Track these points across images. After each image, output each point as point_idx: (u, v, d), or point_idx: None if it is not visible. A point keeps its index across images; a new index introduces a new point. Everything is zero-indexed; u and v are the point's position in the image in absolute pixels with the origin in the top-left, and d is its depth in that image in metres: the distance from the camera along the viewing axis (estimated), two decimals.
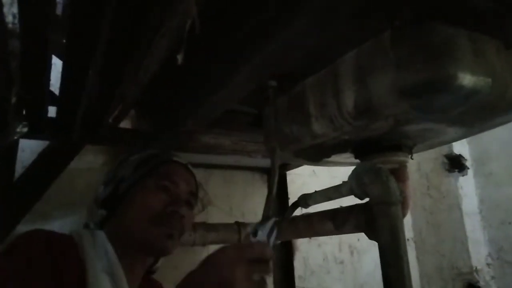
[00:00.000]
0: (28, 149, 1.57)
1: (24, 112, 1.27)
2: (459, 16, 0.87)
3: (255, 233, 0.74)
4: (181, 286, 0.62)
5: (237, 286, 0.58)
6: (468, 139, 2.38)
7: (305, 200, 1.34)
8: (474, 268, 2.21)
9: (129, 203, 0.83)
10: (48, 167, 1.40)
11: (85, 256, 0.73)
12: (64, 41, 0.98)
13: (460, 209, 2.31)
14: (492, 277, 2.21)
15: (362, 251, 2.39)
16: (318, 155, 1.36)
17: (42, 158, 1.41)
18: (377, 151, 1.18)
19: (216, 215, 1.94)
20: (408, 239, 2.52)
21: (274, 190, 1.21)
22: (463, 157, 2.38)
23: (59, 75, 1.14)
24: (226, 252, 0.62)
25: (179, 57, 0.67)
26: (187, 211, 0.87)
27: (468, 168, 2.38)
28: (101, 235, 0.80)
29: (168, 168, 0.88)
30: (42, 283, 0.65)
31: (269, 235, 0.75)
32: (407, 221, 2.56)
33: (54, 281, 0.66)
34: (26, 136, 1.34)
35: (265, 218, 0.79)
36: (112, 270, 0.74)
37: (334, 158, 1.38)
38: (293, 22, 0.76)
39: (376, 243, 1.09)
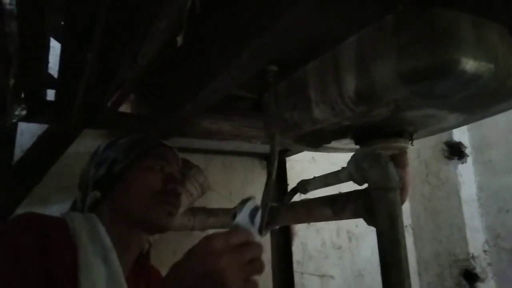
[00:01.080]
0: (27, 132, 1.57)
1: (22, 95, 1.26)
2: (463, 0, 0.86)
3: (234, 216, 0.72)
4: (166, 279, 0.62)
5: (227, 276, 0.55)
6: (468, 126, 2.37)
7: (304, 186, 1.35)
8: (471, 255, 2.23)
9: (127, 183, 0.85)
10: (47, 151, 1.40)
11: (77, 240, 0.73)
12: (62, 23, 0.96)
13: (458, 197, 2.31)
14: (489, 264, 2.23)
15: (360, 237, 2.40)
16: (318, 141, 1.35)
17: (41, 142, 1.40)
18: (378, 137, 1.18)
19: (215, 200, 1.95)
20: (406, 226, 2.54)
21: (274, 176, 1.21)
22: (463, 145, 2.38)
23: (58, 58, 1.13)
24: (209, 241, 0.59)
25: (179, 39, 0.66)
26: (182, 189, 0.91)
27: (468, 156, 2.38)
28: (94, 217, 0.81)
29: (160, 150, 0.92)
30: (31, 270, 0.64)
31: (252, 216, 0.71)
32: (406, 208, 2.57)
33: (45, 267, 0.65)
34: (25, 119, 1.33)
35: (245, 200, 0.75)
36: (106, 254, 0.75)
37: (334, 144, 1.38)
38: (296, 5, 0.74)
39: (373, 229, 1.10)
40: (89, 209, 0.85)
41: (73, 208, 0.91)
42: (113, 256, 0.75)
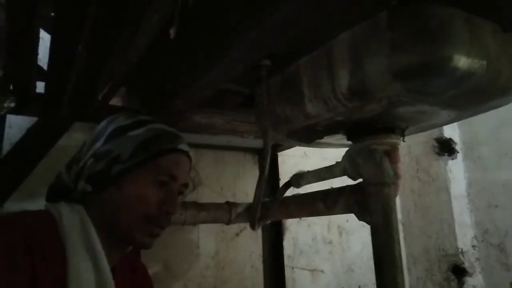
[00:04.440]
0: (16, 125, 1.55)
1: (11, 87, 1.25)
2: None
3: None
4: None
5: None
6: (458, 123, 2.39)
7: (298, 179, 1.34)
8: (460, 250, 2.25)
9: (121, 190, 0.77)
10: (36, 144, 1.38)
11: (67, 241, 0.69)
12: (53, 14, 0.95)
13: (448, 192, 2.34)
14: (477, 259, 2.26)
15: (351, 232, 2.42)
16: (310, 136, 1.35)
17: (30, 135, 1.39)
18: (370, 132, 1.18)
19: (207, 195, 1.94)
20: None
21: (267, 171, 1.21)
22: (453, 141, 2.40)
23: (48, 50, 1.12)
24: None
25: (172, 31, 0.65)
26: (176, 209, 0.82)
27: (458, 152, 2.40)
28: (83, 213, 0.75)
29: (169, 160, 0.81)
30: (14, 279, 0.60)
31: None
32: (396, 203, 2.58)
33: (30, 274, 0.62)
34: (13, 112, 1.32)
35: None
36: (97, 259, 0.71)
37: (326, 139, 1.38)
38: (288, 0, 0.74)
39: (364, 224, 1.10)
40: (78, 199, 0.79)
41: (60, 186, 0.82)
42: (104, 262, 0.71)
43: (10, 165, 1.37)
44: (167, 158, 0.81)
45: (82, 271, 0.68)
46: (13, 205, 1.37)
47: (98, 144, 0.80)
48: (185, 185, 0.86)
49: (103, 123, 0.85)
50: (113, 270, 0.79)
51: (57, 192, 0.83)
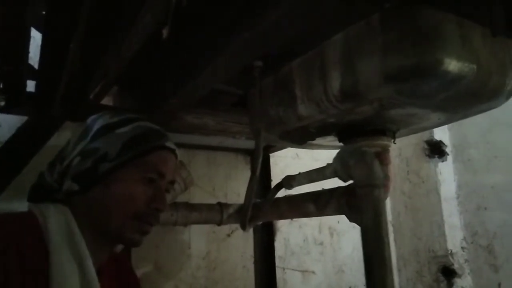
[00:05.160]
0: (6, 124, 1.53)
1: (1, 86, 1.23)
2: (448, 1, 0.87)
3: None
4: None
5: None
6: (448, 125, 2.42)
7: (289, 181, 1.35)
8: (449, 252, 2.27)
9: (109, 188, 0.76)
10: (26, 143, 1.36)
11: (51, 244, 0.68)
12: (44, 12, 0.94)
13: (438, 194, 2.36)
14: (466, 260, 2.28)
15: (342, 233, 2.43)
16: (302, 137, 1.36)
17: (20, 134, 1.37)
18: (361, 134, 1.19)
19: (198, 196, 1.94)
20: None
21: (258, 172, 1.21)
22: (444, 143, 2.42)
23: (39, 49, 1.11)
24: None
25: (165, 32, 0.65)
26: (165, 207, 0.82)
27: (448, 154, 2.42)
28: (68, 214, 0.74)
29: (157, 158, 0.81)
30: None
31: None
32: (386, 205, 2.60)
33: (11, 278, 0.61)
34: (3, 110, 1.30)
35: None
36: (82, 262, 0.70)
37: (318, 141, 1.38)
38: (282, 1, 0.74)
39: (355, 226, 1.11)
40: (63, 199, 0.77)
41: (43, 186, 0.81)
42: (89, 263, 0.70)
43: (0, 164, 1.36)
44: (155, 155, 0.81)
45: (66, 273, 0.67)
46: (2, 205, 1.36)
47: (85, 142, 0.79)
48: (172, 183, 0.86)
49: (88, 121, 0.84)
50: (99, 271, 0.78)
51: (40, 192, 0.81)
